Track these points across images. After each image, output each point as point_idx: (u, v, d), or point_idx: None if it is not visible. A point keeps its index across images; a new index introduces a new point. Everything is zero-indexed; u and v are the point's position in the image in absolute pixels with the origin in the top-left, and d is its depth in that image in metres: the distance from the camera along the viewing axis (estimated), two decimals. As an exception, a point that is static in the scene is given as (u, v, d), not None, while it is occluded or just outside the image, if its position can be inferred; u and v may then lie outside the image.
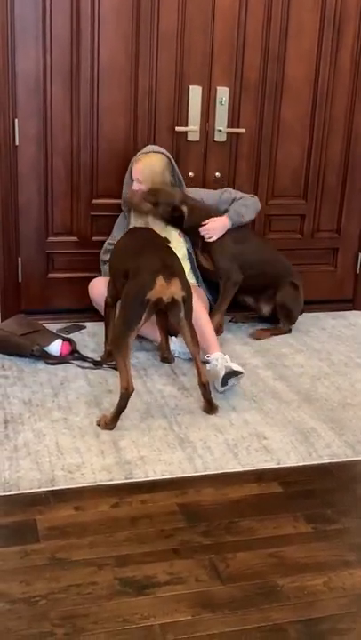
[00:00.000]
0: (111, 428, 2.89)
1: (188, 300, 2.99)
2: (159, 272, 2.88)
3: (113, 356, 3.18)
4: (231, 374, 3.20)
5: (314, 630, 1.94)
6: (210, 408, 3.08)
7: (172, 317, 3.06)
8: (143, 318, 2.89)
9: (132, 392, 2.88)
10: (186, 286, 2.98)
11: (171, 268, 2.94)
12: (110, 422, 2.90)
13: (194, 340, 3.05)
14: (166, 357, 3.55)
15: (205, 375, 3.07)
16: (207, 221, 3.73)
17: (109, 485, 2.54)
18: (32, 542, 2.23)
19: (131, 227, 3.64)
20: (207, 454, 2.76)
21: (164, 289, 2.89)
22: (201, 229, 3.73)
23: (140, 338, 3.58)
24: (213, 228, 3.73)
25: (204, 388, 3.06)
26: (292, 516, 2.43)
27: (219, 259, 3.77)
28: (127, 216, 3.77)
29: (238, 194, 3.85)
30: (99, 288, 3.64)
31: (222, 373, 3.19)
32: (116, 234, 3.73)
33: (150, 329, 3.47)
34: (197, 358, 3.06)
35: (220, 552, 2.22)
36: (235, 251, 3.79)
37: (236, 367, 3.23)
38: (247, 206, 3.81)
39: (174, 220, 3.65)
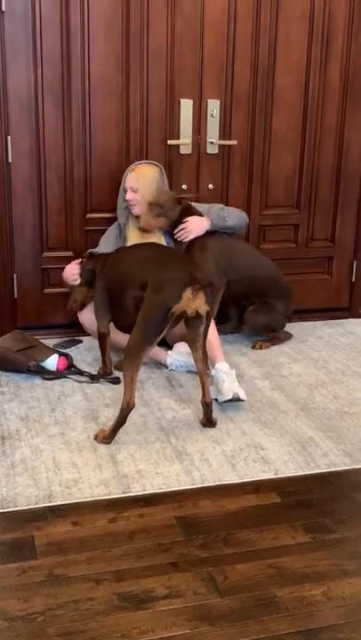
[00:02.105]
0: (108, 443, 2.88)
1: (209, 315, 2.96)
2: (187, 285, 2.83)
3: (121, 367, 3.05)
4: (235, 400, 3.18)
5: (313, 641, 1.94)
6: (209, 424, 3.07)
7: (190, 330, 2.99)
8: (165, 331, 2.86)
9: (132, 408, 2.86)
10: (209, 301, 2.94)
11: (198, 281, 2.88)
12: (108, 437, 2.89)
13: (205, 357, 3.03)
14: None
15: (210, 395, 3.05)
16: (187, 219, 3.69)
17: (107, 500, 2.53)
18: (30, 559, 2.22)
19: (129, 239, 3.67)
20: (205, 466, 2.76)
21: (190, 302, 2.85)
22: (178, 228, 3.68)
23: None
24: (191, 227, 3.68)
25: (207, 406, 3.04)
26: (290, 526, 2.42)
27: (200, 263, 3.63)
28: (123, 229, 3.77)
29: (226, 207, 3.87)
30: (88, 316, 3.58)
31: (228, 397, 3.17)
32: (103, 247, 3.72)
33: (155, 351, 3.43)
34: (205, 377, 3.03)
35: (219, 564, 2.22)
36: (218, 255, 3.74)
37: (242, 395, 3.19)
38: (231, 213, 3.80)
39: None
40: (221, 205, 3.87)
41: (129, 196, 3.68)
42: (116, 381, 3.43)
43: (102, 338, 3.42)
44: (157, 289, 2.87)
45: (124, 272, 3.18)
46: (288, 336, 4.08)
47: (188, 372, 3.46)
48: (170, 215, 3.66)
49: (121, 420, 2.88)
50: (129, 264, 3.21)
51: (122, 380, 2.94)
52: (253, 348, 3.94)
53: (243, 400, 3.21)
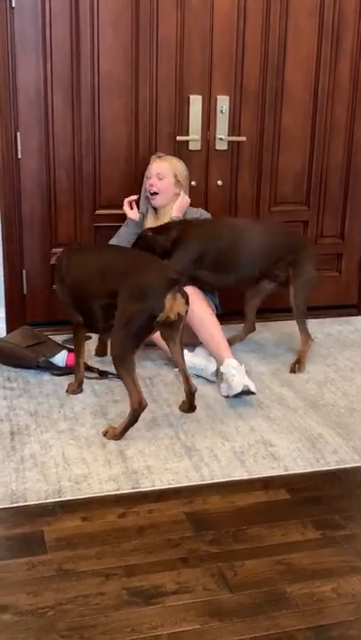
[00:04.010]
0: (118, 439, 2.88)
1: (187, 313, 2.98)
2: (167, 290, 2.83)
3: (118, 373, 2.98)
4: (246, 393, 3.18)
5: (323, 637, 1.93)
6: (191, 410, 3.13)
7: (169, 329, 2.98)
8: (150, 336, 2.89)
9: (145, 407, 2.86)
10: (187, 300, 2.95)
11: (174, 282, 2.88)
12: (118, 435, 2.89)
13: (182, 350, 3.06)
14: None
15: (193, 385, 3.10)
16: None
17: (116, 495, 2.53)
18: (39, 553, 2.22)
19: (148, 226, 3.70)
20: (214, 462, 2.76)
21: (172, 307, 2.85)
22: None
23: (146, 346, 3.56)
24: (176, 209, 3.68)
25: (192, 395, 3.11)
26: (300, 522, 2.42)
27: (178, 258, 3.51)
28: (142, 220, 3.78)
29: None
30: None
31: (238, 389, 3.16)
32: (122, 232, 3.76)
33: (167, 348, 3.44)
34: (184, 367, 3.08)
35: (228, 560, 2.21)
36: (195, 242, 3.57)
37: (252, 387, 3.19)
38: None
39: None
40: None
41: (153, 182, 3.67)
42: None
43: (78, 331, 3.26)
44: (138, 297, 2.83)
45: (87, 281, 3.08)
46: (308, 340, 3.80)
47: (198, 376, 3.44)
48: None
49: (133, 420, 2.88)
50: (90, 273, 3.09)
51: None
52: (292, 371, 3.64)
53: (254, 393, 3.19)
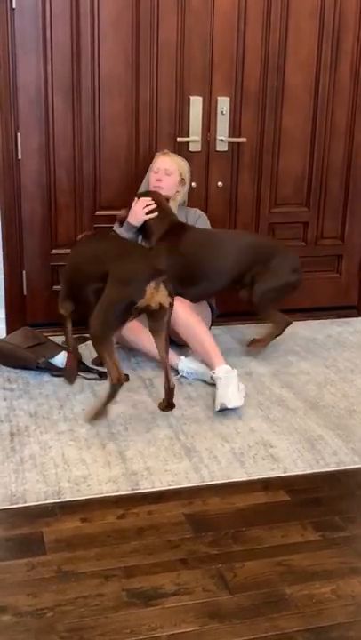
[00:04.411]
0: (104, 417, 2.94)
1: (171, 307, 3.01)
2: (150, 279, 2.87)
3: (97, 353, 3.08)
4: (225, 409, 3.13)
5: (323, 639, 1.93)
6: (169, 408, 3.15)
7: (153, 322, 3.05)
8: (127, 322, 2.93)
9: (123, 382, 2.90)
10: (171, 292, 2.98)
11: (160, 274, 2.92)
12: (101, 412, 2.92)
13: (167, 348, 3.10)
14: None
15: (172, 381, 3.14)
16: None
17: (116, 496, 2.53)
18: (39, 555, 2.22)
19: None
20: (213, 464, 2.76)
21: (153, 296, 2.89)
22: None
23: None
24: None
25: (170, 391, 3.14)
26: (299, 524, 2.42)
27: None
28: None
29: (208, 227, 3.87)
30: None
31: (217, 408, 3.12)
32: (117, 227, 3.74)
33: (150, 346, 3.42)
34: (166, 364, 3.11)
35: (228, 561, 2.21)
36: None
37: (233, 403, 3.10)
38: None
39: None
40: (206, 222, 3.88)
41: (160, 177, 3.67)
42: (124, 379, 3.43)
43: (65, 322, 3.36)
44: (121, 282, 2.89)
45: (83, 267, 3.18)
46: (284, 321, 3.76)
47: (198, 380, 3.44)
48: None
49: (112, 394, 2.90)
50: (87, 258, 3.18)
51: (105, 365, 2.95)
52: (249, 347, 3.75)
53: (235, 407, 3.13)
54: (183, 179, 3.76)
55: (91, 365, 3.55)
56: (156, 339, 3.10)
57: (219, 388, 3.18)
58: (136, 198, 3.64)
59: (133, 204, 3.61)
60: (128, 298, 2.86)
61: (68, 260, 3.43)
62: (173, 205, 3.73)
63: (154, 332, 3.09)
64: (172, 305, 2.99)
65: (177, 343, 3.55)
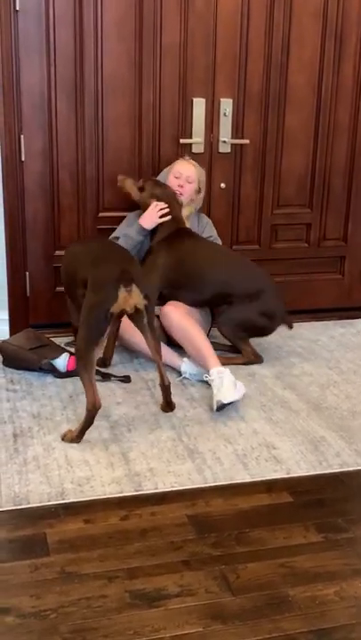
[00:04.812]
0: (77, 442, 2.87)
1: (149, 307, 2.99)
2: (120, 282, 2.85)
3: (77, 372, 2.97)
4: (223, 407, 3.13)
5: (326, 641, 1.93)
6: (168, 408, 3.15)
7: (136, 324, 3.05)
8: (108, 330, 2.92)
9: (98, 408, 2.85)
10: (145, 292, 2.96)
11: (130, 275, 2.89)
12: (77, 438, 2.88)
13: (157, 346, 3.08)
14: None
15: (167, 378, 3.12)
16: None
17: (119, 498, 2.53)
18: (42, 556, 2.23)
19: None
20: (216, 465, 2.76)
21: (127, 300, 2.88)
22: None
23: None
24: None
25: (166, 389, 3.13)
26: (302, 525, 2.42)
27: (148, 267, 3.59)
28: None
29: (214, 233, 3.91)
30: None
31: (214, 407, 3.13)
32: (122, 226, 3.79)
33: (169, 356, 3.46)
34: (160, 364, 3.09)
35: (231, 563, 2.21)
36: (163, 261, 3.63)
37: (228, 399, 3.11)
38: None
39: None
40: (212, 230, 3.92)
41: (182, 183, 3.72)
42: (126, 380, 3.44)
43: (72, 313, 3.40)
44: (94, 288, 2.89)
45: (72, 271, 3.21)
46: (251, 358, 3.68)
47: (200, 381, 3.44)
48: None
49: (89, 421, 2.87)
50: (74, 262, 3.22)
51: (83, 384, 2.89)
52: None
53: (232, 402, 3.13)
54: (200, 188, 3.82)
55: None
56: (145, 339, 3.09)
57: (213, 388, 3.18)
58: (141, 181, 3.73)
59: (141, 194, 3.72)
60: (101, 305, 2.84)
61: (61, 267, 3.48)
62: (185, 211, 3.77)
63: (141, 333, 3.08)
64: (147, 307, 2.96)
65: (178, 345, 3.56)
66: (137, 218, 3.75)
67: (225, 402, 3.10)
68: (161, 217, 3.66)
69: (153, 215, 3.65)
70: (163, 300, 3.61)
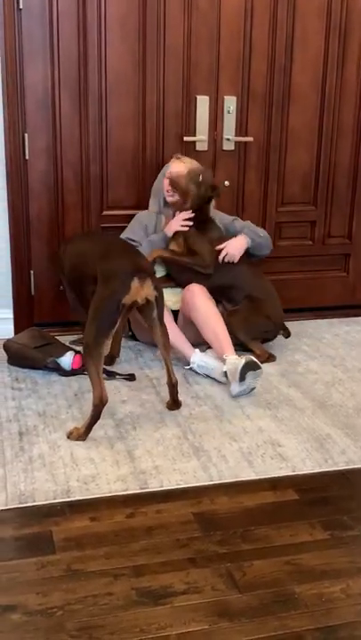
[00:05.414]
0: (83, 440, 2.87)
1: (159, 300, 3.00)
2: (133, 274, 2.87)
3: (85, 365, 3.01)
4: (249, 367, 3.17)
5: (332, 638, 1.93)
6: (175, 406, 3.15)
7: (145, 318, 3.06)
8: (118, 323, 2.91)
9: (105, 403, 2.85)
10: (157, 285, 2.99)
11: (143, 268, 2.94)
12: (83, 434, 2.88)
13: (165, 340, 3.08)
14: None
15: (175, 376, 3.13)
16: (224, 244, 3.65)
17: (124, 495, 2.54)
18: (48, 554, 2.23)
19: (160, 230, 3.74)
20: (222, 463, 2.76)
21: (139, 291, 2.89)
22: (222, 254, 3.64)
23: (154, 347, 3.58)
24: (235, 248, 3.66)
25: (173, 387, 3.13)
26: (308, 523, 2.42)
27: (198, 245, 3.64)
28: (157, 219, 3.80)
29: (250, 224, 3.85)
30: None
31: (240, 366, 3.17)
32: (136, 229, 3.76)
33: (181, 342, 3.49)
34: (168, 360, 3.10)
35: (237, 560, 2.21)
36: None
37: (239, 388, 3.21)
38: (262, 235, 3.81)
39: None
40: (242, 221, 3.88)
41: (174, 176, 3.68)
42: (131, 378, 3.44)
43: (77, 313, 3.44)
44: (105, 281, 2.90)
45: (81, 268, 3.20)
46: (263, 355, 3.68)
47: (207, 377, 3.44)
48: (201, 191, 3.63)
49: (95, 417, 2.87)
50: (80, 259, 3.24)
51: (90, 377, 2.88)
52: None
53: (260, 368, 3.23)
54: (198, 183, 3.70)
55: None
56: (153, 335, 3.10)
57: (229, 374, 3.26)
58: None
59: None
60: (113, 296, 2.84)
61: (65, 263, 3.44)
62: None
63: (150, 328, 3.09)
64: (158, 299, 2.98)
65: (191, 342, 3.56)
66: (148, 220, 3.76)
67: (252, 359, 3.20)
68: (182, 226, 3.65)
69: (177, 224, 3.65)
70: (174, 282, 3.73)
